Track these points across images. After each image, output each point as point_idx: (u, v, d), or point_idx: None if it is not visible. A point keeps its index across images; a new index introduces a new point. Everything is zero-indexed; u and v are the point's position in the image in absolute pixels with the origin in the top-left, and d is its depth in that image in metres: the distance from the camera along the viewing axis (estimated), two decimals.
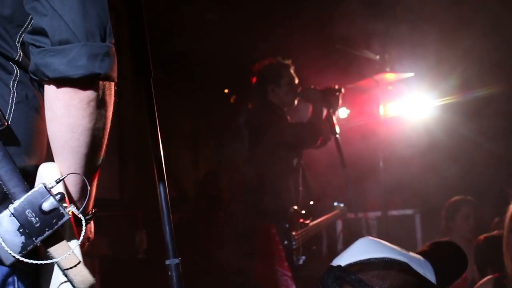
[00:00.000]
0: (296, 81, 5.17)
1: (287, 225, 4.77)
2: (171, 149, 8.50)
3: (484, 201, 5.94)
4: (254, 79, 5.27)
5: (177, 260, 1.80)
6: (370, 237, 2.04)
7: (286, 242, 4.75)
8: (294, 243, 4.74)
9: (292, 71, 5.16)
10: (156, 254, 6.09)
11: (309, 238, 4.97)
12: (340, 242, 6.09)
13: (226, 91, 9.27)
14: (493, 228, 5.73)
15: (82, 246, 1.52)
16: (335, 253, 6.05)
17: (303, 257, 4.80)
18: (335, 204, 5.56)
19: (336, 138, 5.02)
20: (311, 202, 5.16)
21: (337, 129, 5.04)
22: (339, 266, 1.90)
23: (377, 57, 6.58)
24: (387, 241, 5.32)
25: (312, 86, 5.15)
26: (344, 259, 1.94)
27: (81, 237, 1.45)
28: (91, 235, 1.83)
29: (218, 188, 8.91)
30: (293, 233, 4.75)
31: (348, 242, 6.05)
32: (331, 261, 1.99)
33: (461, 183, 6.23)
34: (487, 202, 6.04)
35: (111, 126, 1.65)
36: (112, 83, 1.55)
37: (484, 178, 6.29)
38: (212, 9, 7.04)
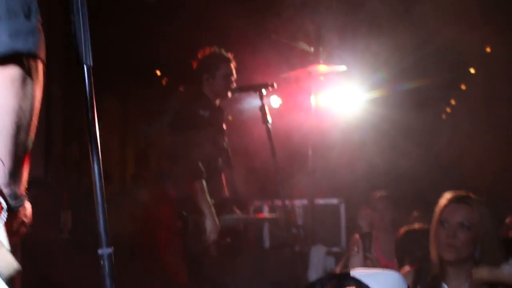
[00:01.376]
0: (234, 76, 5.20)
1: (184, 213, 4.83)
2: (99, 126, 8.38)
3: (408, 194, 6.14)
4: (195, 65, 5.28)
5: (110, 250, 1.80)
6: (398, 274, 2.30)
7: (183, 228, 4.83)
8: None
9: (231, 65, 5.18)
10: (81, 234, 6.01)
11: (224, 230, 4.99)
12: (265, 233, 6.18)
13: (157, 73, 9.20)
14: (411, 221, 5.94)
15: (17, 231, 1.50)
16: (260, 241, 6.16)
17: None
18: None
19: (268, 127, 5.07)
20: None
21: (269, 118, 5.09)
22: (347, 273, 2.21)
23: (312, 49, 6.66)
24: (312, 229, 5.45)
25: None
26: (358, 273, 2.19)
27: (1, 222, 1.42)
28: (27, 219, 1.78)
29: (148, 168, 8.88)
30: (191, 217, 4.81)
31: (273, 231, 6.16)
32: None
33: (387, 174, 6.42)
34: (410, 195, 6.25)
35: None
36: (39, 61, 1.49)
37: (410, 170, 6.50)
38: None
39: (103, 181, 1.89)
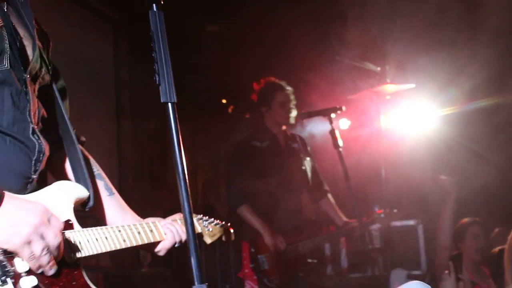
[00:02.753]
0: (291, 102, 5.22)
1: (252, 250, 4.82)
2: (168, 159, 8.50)
3: (485, 213, 5.96)
4: (255, 98, 5.37)
5: (204, 287, 1.78)
6: (418, 283, 2.17)
7: (252, 265, 4.81)
8: (263, 265, 4.78)
9: (286, 92, 5.20)
10: (160, 268, 6.05)
11: (296, 256, 4.96)
12: (343, 255, 6.07)
13: (223, 101, 9.28)
14: (493, 238, 5.76)
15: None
16: (339, 268, 6.07)
17: (277, 279, 4.82)
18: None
19: (339, 152, 5.02)
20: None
21: (340, 142, 5.04)
22: None
23: (378, 68, 6.60)
24: (390, 252, 5.33)
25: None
26: None
27: None
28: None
29: (217, 198, 8.91)
30: (260, 256, 4.80)
31: (351, 256, 6.06)
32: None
33: (462, 194, 6.23)
34: (488, 214, 6.05)
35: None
36: None
37: (485, 189, 6.30)
38: (212, 22, 7.03)
39: (193, 218, 1.87)
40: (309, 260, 5.07)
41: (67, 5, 6.02)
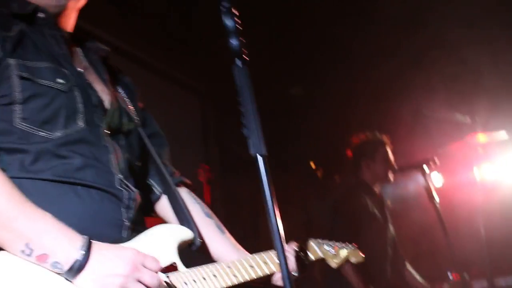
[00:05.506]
0: (392, 158, 5.13)
1: None
2: (259, 225, 8.50)
3: None
4: (350, 153, 5.28)
5: None
6: None
7: None
8: None
9: (387, 148, 5.14)
10: None
11: None
12: None
13: (312, 165, 9.24)
14: None
15: None
16: None
17: None
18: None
19: (436, 207, 4.86)
20: None
21: (436, 197, 4.89)
22: None
23: (467, 118, 6.43)
24: None
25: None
26: None
27: None
28: None
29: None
30: None
31: None
32: None
33: None
34: None
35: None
36: None
37: None
38: (296, 84, 7.10)
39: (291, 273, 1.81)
40: None
41: (152, 80, 6.21)
